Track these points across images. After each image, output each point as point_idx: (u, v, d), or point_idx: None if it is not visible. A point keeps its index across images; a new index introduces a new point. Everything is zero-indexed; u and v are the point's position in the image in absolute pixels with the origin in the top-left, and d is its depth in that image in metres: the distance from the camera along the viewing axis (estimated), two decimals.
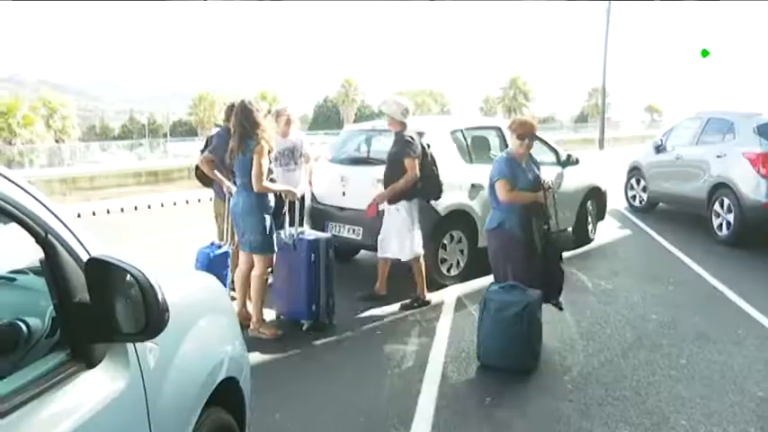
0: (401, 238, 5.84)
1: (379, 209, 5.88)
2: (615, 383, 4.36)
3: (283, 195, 5.33)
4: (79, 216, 10.66)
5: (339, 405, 4.01)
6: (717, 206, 8.98)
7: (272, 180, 5.18)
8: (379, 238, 5.98)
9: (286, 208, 5.44)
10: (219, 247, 5.89)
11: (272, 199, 5.16)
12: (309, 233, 5.45)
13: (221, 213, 6.32)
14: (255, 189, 4.96)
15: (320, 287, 5.28)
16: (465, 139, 7.11)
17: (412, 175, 5.68)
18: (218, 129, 6.54)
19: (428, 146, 5.97)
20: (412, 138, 5.75)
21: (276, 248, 5.21)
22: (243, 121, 5.01)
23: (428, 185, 5.87)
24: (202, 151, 6.44)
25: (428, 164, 5.85)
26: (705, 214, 9.25)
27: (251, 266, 5.23)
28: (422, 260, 5.97)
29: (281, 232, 5.33)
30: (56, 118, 52.37)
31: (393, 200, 5.80)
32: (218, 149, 6.07)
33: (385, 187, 5.83)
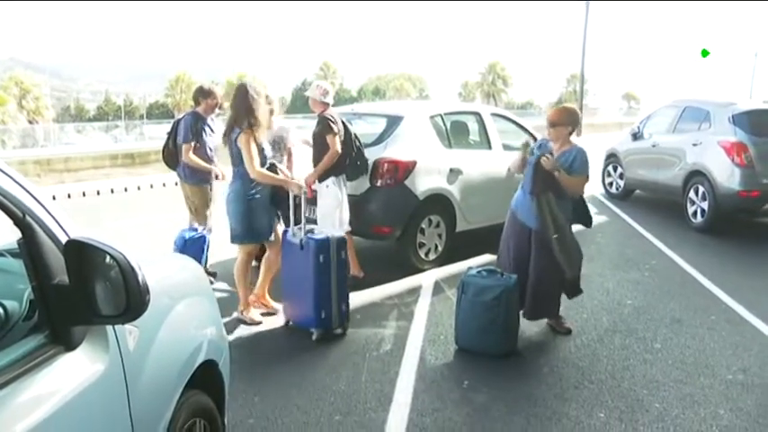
0: (331, 214, 5.91)
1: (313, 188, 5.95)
2: (591, 367, 4.42)
3: (290, 189, 5.03)
4: (54, 198, 10.52)
5: (317, 388, 4.02)
6: (692, 193, 9.11)
7: (272, 168, 5.02)
8: (318, 216, 6.00)
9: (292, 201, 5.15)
10: (195, 230, 5.85)
11: (260, 188, 4.98)
12: (319, 231, 5.00)
13: (189, 196, 6.30)
14: (251, 175, 4.87)
15: (331, 292, 4.81)
16: (444, 124, 7.12)
17: (333, 151, 5.77)
18: (185, 113, 6.46)
19: (351, 123, 6.21)
20: (332, 117, 5.84)
21: (267, 238, 5.08)
22: (237, 106, 4.95)
23: (356, 160, 6.04)
24: (169, 135, 6.36)
25: (351, 141, 5.98)
26: (680, 201, 9.38)
27: (246, 255, 5.18)
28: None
29: (288, 230, 5.06)
30: (28, 98, 51.54)
31: (322, 177, 5.89)
32: (187, 135, 6.07)
33: (314, 167, 5.93)
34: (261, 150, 4.94)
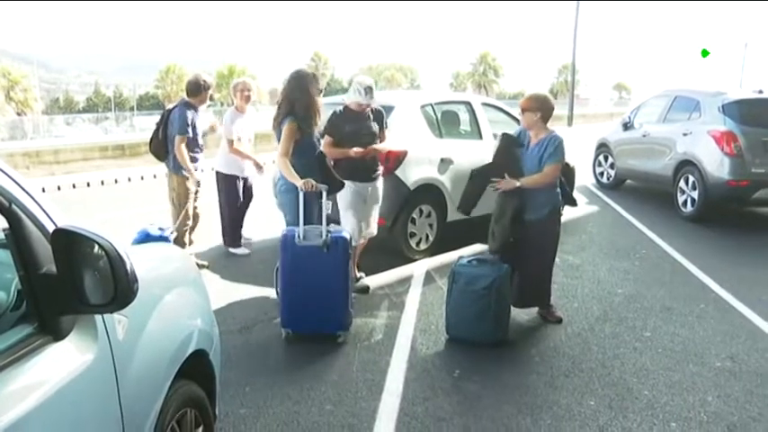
0: (376, 213, 5.78)
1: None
2: (581, 356, 4.44)
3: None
4: (44, 191, 10.46)
5: (308, 378, 4.02)
6: (682, 183, 9.15)
7: (320, 157, 4.93)
8: (359, 217, 5.63)
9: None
10: (162, 229, 5.70)
11: (309, 177, 4.78)
12: (333, 229, 4.66)
13: (174, 187, 6.15)
14: (277, 160, 4.88)
15: (349, 289, 4.72)
16: (435, 113, 7.11)
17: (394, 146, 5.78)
18: (176, 103, 6.28)
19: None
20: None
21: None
22: (288, 94, 4.93)
23: None
24: (158, 125, 6.24)
25: None
26: (671, 191, 9.41)
27: None
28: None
29: (295, 231, 4.59)
30: (17, 90, 51.24)
31: (377, 174, 5.67)
32: (184, 128, 5.96)
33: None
34: (310, 141, 4.91)
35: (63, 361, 1.67)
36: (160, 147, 6.21)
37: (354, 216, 5.56)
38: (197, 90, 6.13)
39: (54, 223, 1.75)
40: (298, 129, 4.86)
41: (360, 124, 5.52)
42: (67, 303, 1.69)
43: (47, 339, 1.66)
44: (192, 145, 6.09)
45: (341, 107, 5.60)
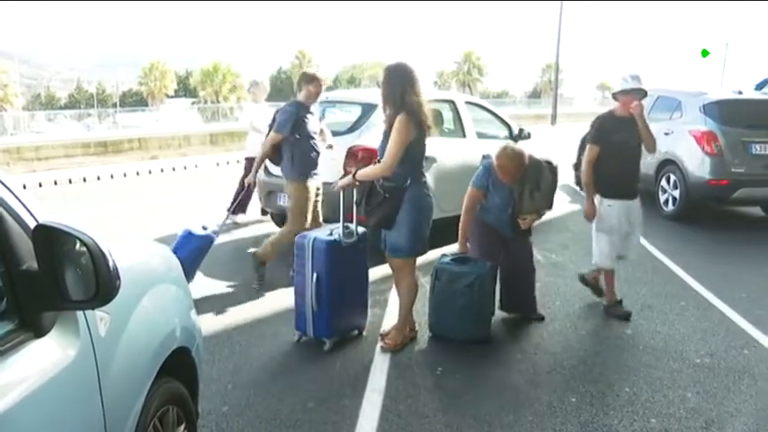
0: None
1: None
2: (563, 353, 4.47)
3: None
4: (25, 187, 10.35)
5: (291, 375, 4.03)
6: (663, 182, 9.24)
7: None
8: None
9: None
10: (206, 229, 5.46)
11: (424, 188, 4.54)
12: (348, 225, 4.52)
13: (290, 195, 5.74)
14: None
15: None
16: None
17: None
18: (285, 103, 5.85)
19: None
20: None
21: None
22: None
23: None
24: (270, 126, 5.79)
25: None
26: (652, 190, 9.49)
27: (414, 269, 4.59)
28: None
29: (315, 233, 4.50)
30: None
31: None
32: (283, 125, 5.57)
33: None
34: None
35: (44, 358, 1.66)
36: (273, 151, 5.75)
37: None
38: (303, 83, 5.65)
39: (35, 219, 1.75)
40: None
41: (628, 132, 5.33)
42: (49, 300, 1.68)
43: (28, 336, 1.65)
44: (304, 147, 5.65)
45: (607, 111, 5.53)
